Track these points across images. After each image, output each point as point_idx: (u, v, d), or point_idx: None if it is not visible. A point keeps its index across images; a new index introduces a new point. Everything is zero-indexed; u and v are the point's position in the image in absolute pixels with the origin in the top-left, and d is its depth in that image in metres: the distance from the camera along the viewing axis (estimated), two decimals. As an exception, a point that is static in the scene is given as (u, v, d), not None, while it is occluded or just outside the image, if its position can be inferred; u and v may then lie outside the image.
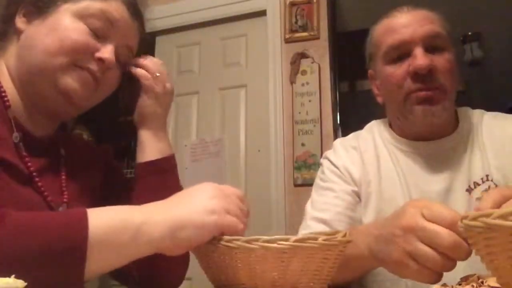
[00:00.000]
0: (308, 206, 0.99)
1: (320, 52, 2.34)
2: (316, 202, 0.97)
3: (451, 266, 0.56)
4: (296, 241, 0.50)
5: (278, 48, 2.39)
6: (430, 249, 0.56)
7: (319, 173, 1.04)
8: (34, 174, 0.68)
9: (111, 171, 0.87)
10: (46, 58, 0.68)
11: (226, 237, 0.53)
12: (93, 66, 0.70)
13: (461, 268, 0.68)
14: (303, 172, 2.19)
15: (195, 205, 0.56)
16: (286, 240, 0.50)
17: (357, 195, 0.96)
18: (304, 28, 2.39)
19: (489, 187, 0.87)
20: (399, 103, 0.93)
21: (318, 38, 2.35)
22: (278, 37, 2.41)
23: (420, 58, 0.88)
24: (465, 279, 0.56)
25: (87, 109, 0.77)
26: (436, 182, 0.91)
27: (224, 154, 2.42)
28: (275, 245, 0.50)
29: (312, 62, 2.32)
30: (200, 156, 2.48)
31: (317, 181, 1.02)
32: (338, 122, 2.29)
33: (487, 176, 0.88)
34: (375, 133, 1.03)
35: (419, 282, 0.59)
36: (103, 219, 0.52)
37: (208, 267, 0.57)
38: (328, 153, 1.04)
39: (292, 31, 2.40)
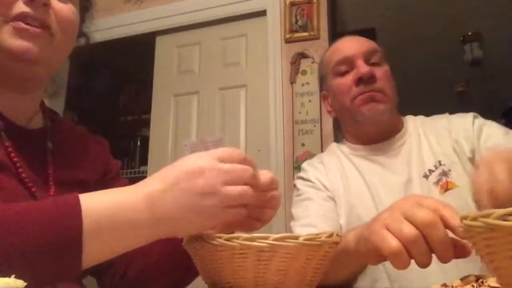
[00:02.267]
0: (292, 222, 1.06)
1: (320, 52, 2.33)
2: (298, 214, 1.06)
3: (424, 252, 0.55)
4: (275, 239, 0.49)
5: (278, 48, 2.39)
6: (408, 223, 0.56)
7: (294, 193, 1.13)
8: (18, 165, 0.63)
9: (108, 168, 0.83)
10: None
11: (210, 235, 0.52)
12: (26, 10, 0.60)
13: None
14: (303, 172, 2.19)
15: (190, 204, 0.50)
16: (266, 238, 0.49)
17: (332, 198, 1.06)
18: (304, 28, 2.39)
19: (442, 170, 1.00)
20: (348, 109, 1.08)
21: (318, 38, 2.35)
22: (278, 37, 2.41)
23: (361, 67, 1.06)
24: (464, 279, 0.56)
25: (60, 58, 0.70)
26: (396, 175, 1.03)
27: (224, 154, 2.42)
28: (254, 243, 0.49)
29: (312, 62, 2.32)
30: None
31: (294, 198, 1.11)
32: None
33: (439, 161, 1.02)
34: (335, 150, 1.17)
35: (384, 253, 0.57)
36: (97, 207, 0.49)
37: (199, 265, 0.57)
38: (299, 174, 1.16)
39: (292, 31, 2.40)
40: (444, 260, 0.56)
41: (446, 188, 0.98)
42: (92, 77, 2.76)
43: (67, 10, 0.67)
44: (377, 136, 1.10)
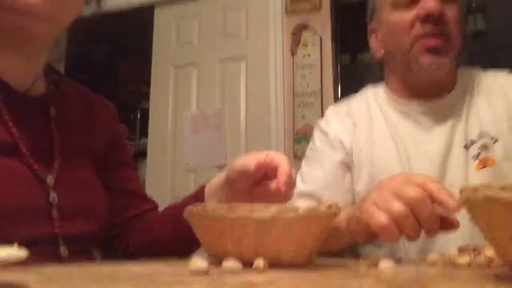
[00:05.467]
0: (298, 178, 0.98)
1: (321, 23, 2.30)
2: (304, 175, 0.98)
3: (412, 225, 0.57)
4: (276, 211, 0.50)
5: (279, 19, 2.36)
6: (397, 200, 0.58)
7: (310, 142, 1.03)
8: (18, 141, 0.61)
9: (116, 135, 0.81)
10: None
11: (211, 206, 0.54)
12: None
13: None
14: (304, 145, 2.19)
15: None
16: (266, 210, 0.50)
17: (347, 164, 0.95)
18: (305, -2, 2.34)
19: (485, 143, 0.88)
20: (404, 51, 0.90)
21: (319, 9, 2.32)
22: (279, 7, 2.37)
23: (432, 1, 0.86)
24: (462, 249, 0.57)
25: (67, 18, 0.67)
26: (434, 141, 0.91)
27: (224, 126, 2.42)
28: (255, 214, 0.50)
29: (314, 34, 2.29)
30: (200, 127, 2.48)
31: (308, 150, 1.02)
32: (339, 94, 2.28)
33: (483, 132, 0.89)
34: (369, 97, 1.01)
35: (373, 227, 0.60)
36: None
37: (200, 236, 0.58)
38: (320, 121, 1.03)
39: (294, 1, 2.36)
40: (430, 234, 0.59)
41: (484, 164, 0.87)
42: (91, 49, 2.73)
43: None
44: (427, 91, 0.93)
